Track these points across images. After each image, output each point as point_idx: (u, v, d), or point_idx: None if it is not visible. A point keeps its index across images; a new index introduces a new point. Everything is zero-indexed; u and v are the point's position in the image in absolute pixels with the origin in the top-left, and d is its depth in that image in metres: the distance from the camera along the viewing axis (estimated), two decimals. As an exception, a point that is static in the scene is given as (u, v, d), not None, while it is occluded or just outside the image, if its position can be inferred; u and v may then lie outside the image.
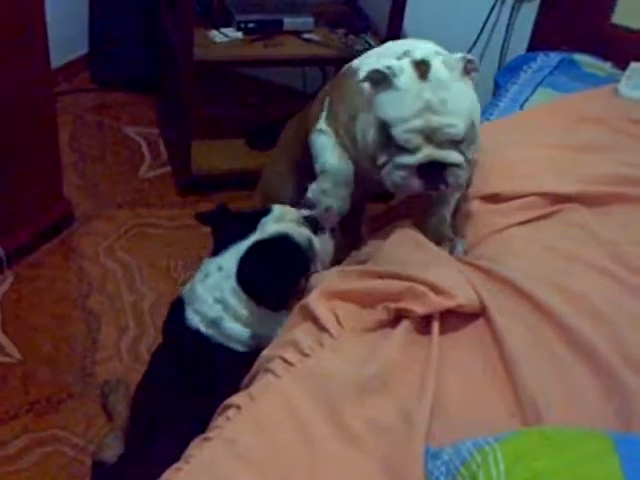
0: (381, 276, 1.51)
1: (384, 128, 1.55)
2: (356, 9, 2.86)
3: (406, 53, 1.57)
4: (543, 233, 1.69)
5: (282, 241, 1.63)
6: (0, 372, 2.03)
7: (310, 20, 2.68)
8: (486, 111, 2.18)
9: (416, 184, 1.58)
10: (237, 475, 1.16)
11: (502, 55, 2.72)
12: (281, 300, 1.62)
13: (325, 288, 1.48)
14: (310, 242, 1.67)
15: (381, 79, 1.55)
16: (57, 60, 2.81)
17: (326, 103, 1.75)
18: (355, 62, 1.74)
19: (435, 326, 1.42)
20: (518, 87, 2.27)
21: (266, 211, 1.68)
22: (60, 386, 2.01)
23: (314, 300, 1.46)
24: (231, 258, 1.63)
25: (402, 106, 1.53)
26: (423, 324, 1.44)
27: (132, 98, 3.22)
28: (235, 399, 1.31)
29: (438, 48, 1.61)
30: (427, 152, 1.54)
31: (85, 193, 2.68)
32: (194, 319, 1.64)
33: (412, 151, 1.54)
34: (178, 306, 1.68)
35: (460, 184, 1.62)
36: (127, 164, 2.87)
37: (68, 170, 2.71)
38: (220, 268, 1.64)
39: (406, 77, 1.53)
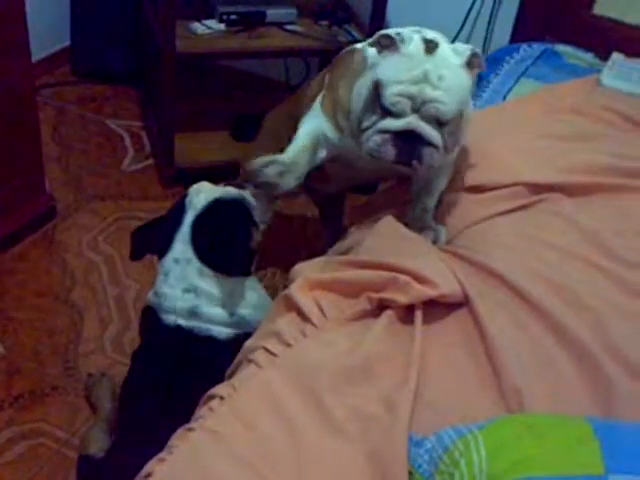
0: (364, 266, 1.51)
1: (377, 89, 1.56)
2: (339, 0, 2.85)
3: (417, 31, 1.60)
4: (525, 223, 1.70)
5: (217, 204, 1.70)
6: (-17, 365, 2.02)
7: (293, 11, 2.67)
8: (468, 101, 2.19)
9: (390, 152, 1.57)
10: (220, 466, 1.16)
11: (485, 46, 2.72)
12: (245, 255, 1.71)
13: (308, 278, 1.48)
14: (241, 194, 1.75)
15: (389, 44, 1.56)
16: (38, 53, 2.80)
17: (326, 81, 1.76)
18: (359, 44, 1.75)
19: (418, 316, 1.42)
20: (501, 78, 2.27)
21: (183, 199, 1.73)
22: (44, 379, 2.00)
23: (297, 290, 1.46)
24: (180, 246, 1.67)
25: (401, 69, 1.54)
26: (406, 314, 1.44)
27: (114, 91, 3.21)
28: (218, 390, 1.31)
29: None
30: (410, 120, 1.54)
31: (68, 186, 2.66)
32: (170, 318, 1.66)
33: (396, 116, 1.54)
34: (150, 313, 1.70)
35: (431, 166, 1.61)
36: (110, 157, 2.85)
37: (51, 163, 2.70)
38: (176, 260, 1.67)
39: (413, 46, 1.55)
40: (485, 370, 1.35)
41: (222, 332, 1.67)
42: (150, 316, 1.69)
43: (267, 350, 1.37)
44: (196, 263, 1.66)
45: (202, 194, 1.70)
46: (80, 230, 2.49)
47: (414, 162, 1.58)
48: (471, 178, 1.80)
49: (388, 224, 1.67)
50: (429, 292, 1.43)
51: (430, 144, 1.56)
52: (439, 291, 1.44)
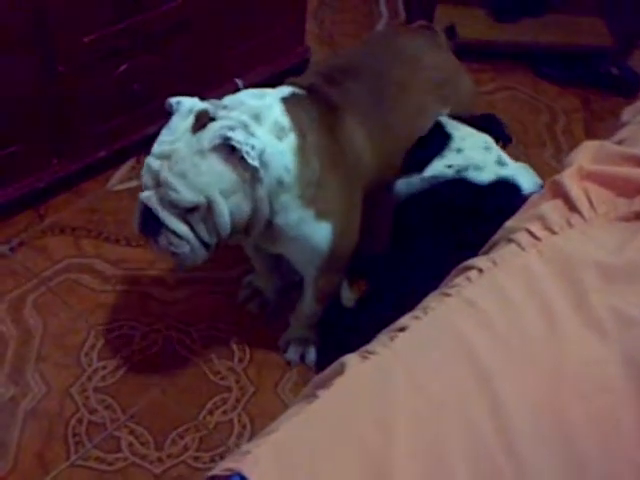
0: (645, 164, 1.40)
1: None
2: None
3: (232, 105, 1.48)
4: None
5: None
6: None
7: None
8: None
9: (136, 222, 1.52)
10: (473, 334, 1.14)
11: None
12: None
13: (582, 167, 1.40)
14: None
15: (169, 110, 1.49)
16: None
17: None
18: None
19: (700, 230, 1.31)
20: None
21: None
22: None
23: (568, 177, 1.38)
24: None
25: (157, 141, 1.47)
26: (684, 226, 1.34)
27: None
28: (477, 262, 1.29)
29: (269, 115, 1.48)
30: (147, 195, 1.46)
31: (321, 42, 2.69)
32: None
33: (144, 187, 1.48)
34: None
35: (176, 254, 1.50)
36: (364, 18, 2.84)
37: (308, 17, 2.70)
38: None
39: (180, 120, 1.45)
40: None
41: None
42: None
43: (530, 233, 1.31)
44: None
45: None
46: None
47: (152, 241, 1.50)
48: None
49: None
50: None
51: (170, 230, 1.46)
52: None
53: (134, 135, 2.19)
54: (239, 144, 1.38)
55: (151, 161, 1.44)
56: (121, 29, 1.96)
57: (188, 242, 1.47)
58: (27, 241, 2.05)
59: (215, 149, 1.40)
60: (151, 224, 1.47)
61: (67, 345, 1.85)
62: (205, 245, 1.49)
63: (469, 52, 2.57)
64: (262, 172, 1.44)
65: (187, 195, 1.41)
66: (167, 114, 1.49)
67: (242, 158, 1.40)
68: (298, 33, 2.43)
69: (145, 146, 2.21)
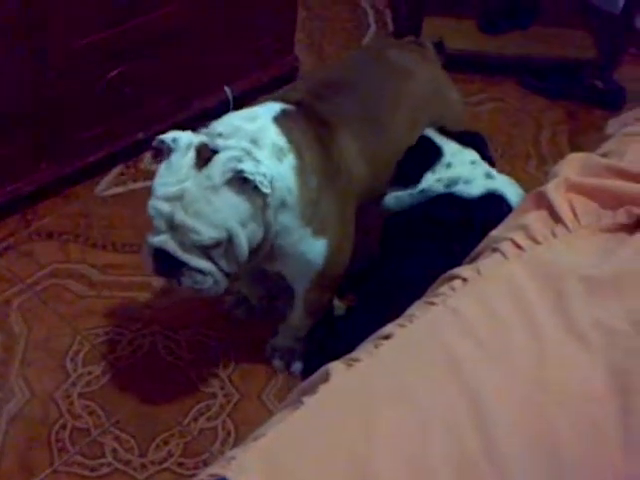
0: (628, 176, 1.42)
1: None
2: None
3: (226, 132, 1.44)
4: None
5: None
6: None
7: None
8: None
9: (149, 265, 1.49)
10: (457, 342, 1.15)
11: None
12: None
13: (567, 179, 1.42)
14: None
15: (164, 147, 1.44)
16: None
17: None
18: None
19: (682, 241, 1.33)
20: None
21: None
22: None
23: (553, 189, 1.41)
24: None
25: (159, 182, 1.41)
26: (666, 236, 1.36)
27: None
28: (461, 271, 1.31)
29: (265, 138, 1.45)
30: (162, 239, 1.43)
31: (310, 51, 2.70)
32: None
33: (155, 231, 1.44)
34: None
35: (202, 290, 1.48)
36: (352, 30, 2.85)
37: (296, 26, 2.71)
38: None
39: (180, 157, 1.40)
40: None
41: None
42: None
43: (514, 242, 1.33)
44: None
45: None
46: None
47: (174, 282, 1.48)
48: None
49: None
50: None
51: (193, 268, 1.44)
52: None
53: (123, 140, 2.19)
54: (251, 175, 1.37)
55: (159, 204, 1.41)
56: (113, 34, 1.97)
57: (212, 276, 1.46)
58: (14, 245, 2.05)
59: (227, 183, 1.39)
60: (170, 266, 1.46)
61: (52, 350, 1.85)
62: (226, 275, 1.49)
63: (456, 63, 2.58)
64: (270, 197, 1.43)
65: (208, 233, 1.40)
66: (157, 150, 1.46)
67: (255, 187, 1.38)
68: (287, 42, 2.44)
69: (134, 152, 2.25)
